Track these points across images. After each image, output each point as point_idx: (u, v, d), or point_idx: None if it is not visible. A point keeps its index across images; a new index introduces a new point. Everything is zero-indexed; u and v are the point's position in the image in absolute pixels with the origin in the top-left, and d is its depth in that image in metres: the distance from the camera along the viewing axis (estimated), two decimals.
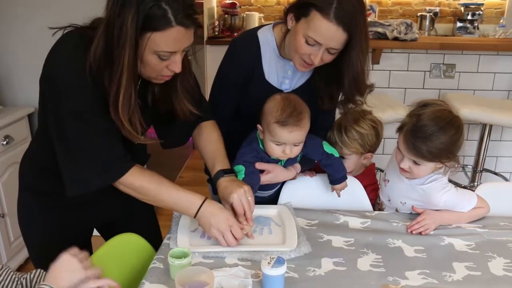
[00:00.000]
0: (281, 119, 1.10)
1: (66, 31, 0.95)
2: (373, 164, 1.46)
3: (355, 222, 1.21)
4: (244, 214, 1.06)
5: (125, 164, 1.00)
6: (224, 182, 1.10)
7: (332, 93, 1.20)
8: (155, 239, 1.18)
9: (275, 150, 1.16)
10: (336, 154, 1.25)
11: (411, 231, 1.16)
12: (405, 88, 2.55)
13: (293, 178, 1.29)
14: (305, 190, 1.33)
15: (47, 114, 0.96)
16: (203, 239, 1.08)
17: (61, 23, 0.97)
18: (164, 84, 1.01)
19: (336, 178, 1.27)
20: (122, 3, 0.86)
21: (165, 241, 1.10)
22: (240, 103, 1.27)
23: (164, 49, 0.90)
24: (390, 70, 2.53)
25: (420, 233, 1.16)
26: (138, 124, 0.95)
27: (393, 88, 2.54)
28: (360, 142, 1.34)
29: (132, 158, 1.02)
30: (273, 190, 1.33)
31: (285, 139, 1.13)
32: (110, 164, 0.98)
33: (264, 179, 1.21)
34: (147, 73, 0.95)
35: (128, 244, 1.10)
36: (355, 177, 1.36)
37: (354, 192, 1.33)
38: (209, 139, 1.18)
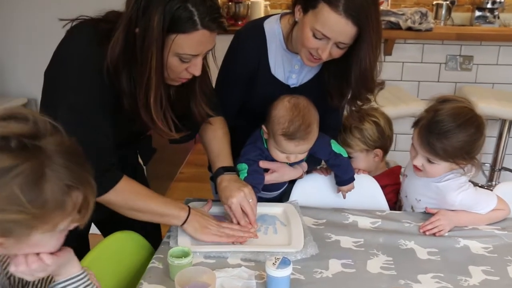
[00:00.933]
0: (288, 133, 1.09)
1: (75, 23, 0.95)
2: (399, 166, 1.45)
3: (365, 222, 1.20)
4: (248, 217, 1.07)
5: (112, 177, 0.99)
6: (224, 182, 1.10)
7: (342, 89, 1.19)
8: (155, 237, 1.18)
9: (279, 156, 1.16)
10: (345, 154, 1.24)
11: (424, 232, 1.15)
12: (419, 81, 2.53)
13: (300, 177, 1.28)
14: (318, 189, 1.32)
15: (49, 107, 0.96)
16: None
17: (55, 15, 0.96)
18: (182, 86, 1.02)
19: (344, 179, 1.26)
20: (147, 3, 0.87)
21: (164, 239, 1.09)
22: (245, 98, 1.26)
23: (187, 52, 0.92)
24: (403, 62, 2.50)
25: (434, 234, 1.14)
26: (171, 121, 0.97)
27: (406, 81, 2.52)
28: (361, 139, 1.33)
29: (139, 153, 1.02)
30: (279, 191, 1.32)
31: (291, 151, 1.13)
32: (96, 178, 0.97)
33: (269, 178, 1.20)
34: (166, 74, 0.95)
35: (126, 242, 1.10)
36: (374, 177, 1.35)
37: (370, 191, 1.32)
38: (215, 136, 1.19)
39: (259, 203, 1.13)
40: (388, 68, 2.51)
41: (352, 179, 1.26)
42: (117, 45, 0.90)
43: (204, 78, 1.03)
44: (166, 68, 0.93)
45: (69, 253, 0.72)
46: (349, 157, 1.35)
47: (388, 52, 2.45)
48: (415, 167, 1.17)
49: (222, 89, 1.26)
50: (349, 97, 1.17)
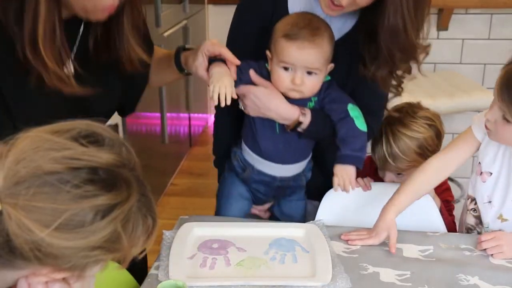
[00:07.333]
0: (289, 32, 1.15)
1: None
2: None
3: (412, 249, 1.20)
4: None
5: None
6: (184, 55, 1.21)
7: (375, 51, 1.17)
8: (139, 268, 1.20)
9: (282, 78, 1.18)
10: (361, 127, 1.21)
11: (480, 246, 1.17)
12: (485, 64, 2.51)
13: (294, 127, 1.21)
14: (350, 206, 1.32)
15: None
16: (203, 268, 1.10)
17: None
18: (108, 23, 1.01)
19: (343, 153, 1.20)
20: None
21: (152, 271, 1.11)
22: (258, 59, 1.26)
23: None
24: (463, 39, 2.49)
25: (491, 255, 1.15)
26: (70, 66, 0.96)
27: (467, 64, 2.51)
28: (417, 151, 1.33)
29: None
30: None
31: (294, 58, 1.15)
32: None
33: (250, 89, 1.20)
34: (79, 3, 0.93)
35: (103, 276, 1.12)
36: None
37: (420, 208, 1.32)
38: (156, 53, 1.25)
39: (273, 224, 1.14)
40: (442, 47, 2.50)
41: (356, 161, 1.20)
42: None
43: (133, 6, 1.01)
44: None
45: (93, 279, 0.76)
46: (398, 174, 1.37)
47: (444, 26, 2.44)
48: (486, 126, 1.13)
49: (231, 48, 1.25)
50: (384, 61, 1.16)
